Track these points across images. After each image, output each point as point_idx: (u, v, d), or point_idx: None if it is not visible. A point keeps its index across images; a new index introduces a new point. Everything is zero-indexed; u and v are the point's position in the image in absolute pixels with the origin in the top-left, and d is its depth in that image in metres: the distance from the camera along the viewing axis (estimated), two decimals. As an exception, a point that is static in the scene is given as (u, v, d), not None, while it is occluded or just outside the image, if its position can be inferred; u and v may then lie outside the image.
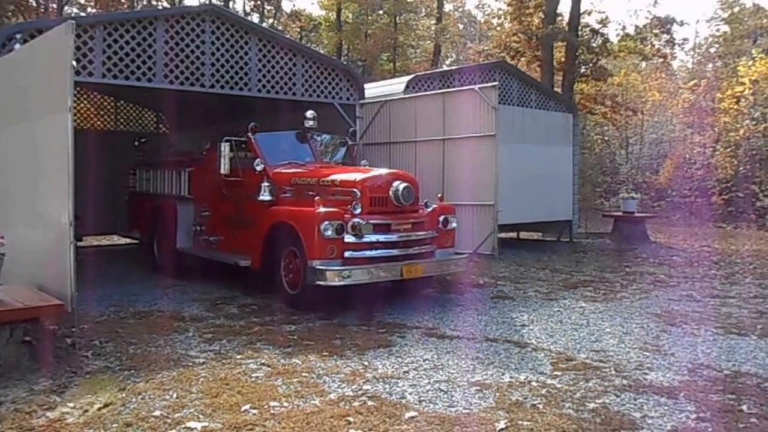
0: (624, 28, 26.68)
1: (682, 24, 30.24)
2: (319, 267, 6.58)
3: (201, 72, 9.29)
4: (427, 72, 16.86)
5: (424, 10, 35.61)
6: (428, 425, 3.88)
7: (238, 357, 5.28)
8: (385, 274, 6.95)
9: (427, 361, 5.20)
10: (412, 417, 4.00)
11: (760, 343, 5.84)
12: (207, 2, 20.40)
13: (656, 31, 23.28)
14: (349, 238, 6.79)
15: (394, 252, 7.13)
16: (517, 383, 4.67)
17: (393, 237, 7.13)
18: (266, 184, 7.71)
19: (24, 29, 8.01)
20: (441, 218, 7.65)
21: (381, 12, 32.95)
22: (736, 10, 33.04)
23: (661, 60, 25.44)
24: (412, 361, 5.19)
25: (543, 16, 21.90)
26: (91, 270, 8.75)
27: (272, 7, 34.74)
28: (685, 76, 34.35)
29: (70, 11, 28.13)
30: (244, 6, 34.41)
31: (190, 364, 5.08)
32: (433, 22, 34.79)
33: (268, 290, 7.63)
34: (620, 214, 15.16)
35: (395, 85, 13.83)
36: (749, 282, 9.28)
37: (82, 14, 27.25)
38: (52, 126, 5.53)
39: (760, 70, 21.24)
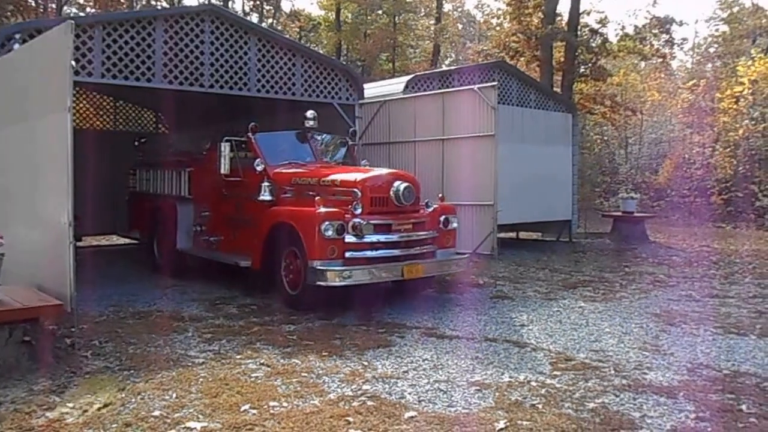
0: (623, 28, 26.70)
1: (681, 24, 30.33)
2: (319, 267, 6.56)
3: (200, 72, 9.28)
4: (427, 72, 16.87)
5: (423, 10, 35.63)
6: (428, 425, 3.88)
7: (238, 357, 5.28)
8: (386, 275, 6.94)
9: (426, 361, 5.20)
10: (412, 417, 4.00)
11: (759, 343, 5.84)
12: (206, 2, 20.40)
13: (655, 31, 23.30)
14: (349, 239, 6.77)
15: (395, 252, 7.11)
16: (517, 383, 4.67)
17: (394, 237, 7.12)
18: (266, 184, 7.70)
19: (23, 29, 8.00)
20: (442, 218, 7.64)
21: (380, 12, 32.96)
22: (735, 10, 33.08)
23: (661, 60, 25.45)
24: (412, 361, 5.19)
25: (542, 16, 21.91)
26: (91, 270, 8.75)
27: (271, 7, 34.73)
28: (685, 76, 34.37)
29: (69, 11, 28.13)
30: (243, 6, 34.46)
31: (190, 364, 5.08)
32: (432, 22, 34.81)
33: (268, 290, 7.63)
34: (619, 214, 15.17)
35: (394, 85, 13.84)
36: (748, 282, 9.29)
37: (81, 14, 27.24)
38: (51, 126, 5.53)
39: (759, 70, 21.26)
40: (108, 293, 7.90)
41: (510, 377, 4.81)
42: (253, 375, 4.81)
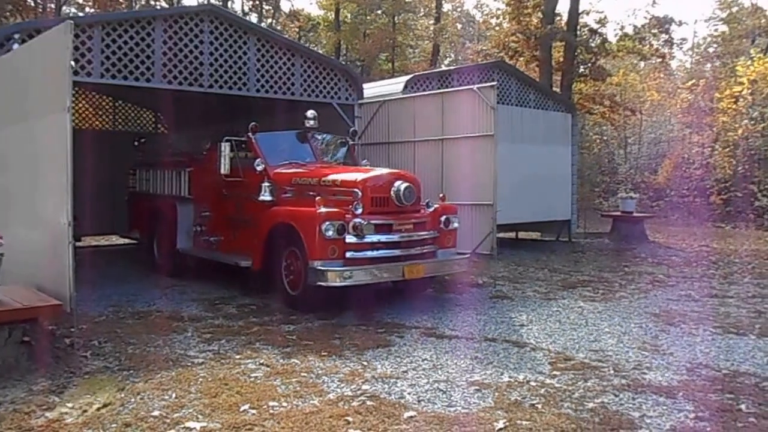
0: (622, 27, 26.73)
1: (680, 24, 30.39)
2: (320, 268, 6.54)
3: (199, 72, 9.28)
4: (426, 72, 16.87)
5: (422, 9, 35.62)
6: (427, 425, 3.88)
7: (237, 357, 5.28)
8: (387, 275, 6.92)
9: (425, 361, 5.20)
10: (411, 417, 4.00)
11: (758, 343, 5.85)
12: (205, 2, 20.39)
13: (655, 30, 23.30)
14: (350, 239, 6.75)
15: (396, 252, 7.09)
16: (516, 383, 4.67)
17: (395, 237, 7.09)
18: (267, 184, 7.68)
19: (22, 29, 7.99)
20: (443, 218, 7.60)
21: (379, 12, 32.95)
22: (734, 10, 33.08)
23: (660, 60, 25.46)
24: (411, 361, 5.20)
25: (541, 16, 21.91)
26: (90, 270, 8.74)
27: (271, 7, 34.72)
28: (684, 75, 34.38)
29: (68, 11, 28.12)
30: (242, 6, 34.46)
31: (189, 364, 5.08)
32: (432, 21, 34.81)
33: (267, 291, 7.62)
34: (619, 213, 15.16)
35: (394, 85, 13.83)
36: (748, 282, 9.29)
37: (81, 14, 27.23)
38: (50, 126, 5.53)
39: (758, 70, 21.27)
40: (107, 293, 7.90)
41: (509, 377, 4.81)
42: (252, 375, 4.81)
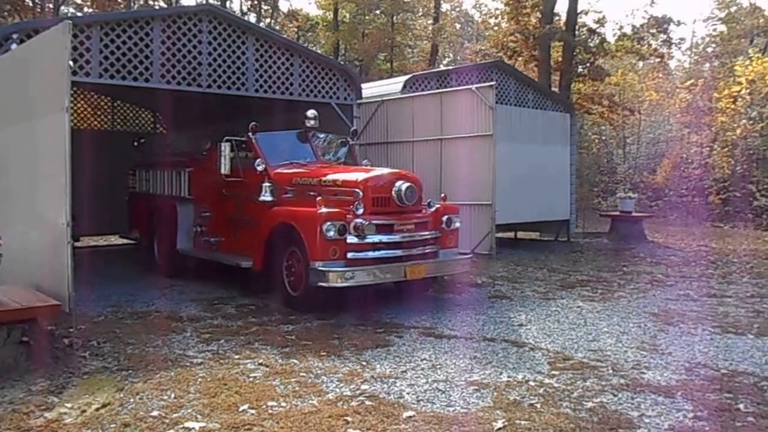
0: (621, 27, 26.71)
1: (679, 24, 30.25)
2: (321, 268, 6.50)
3: (198, 72, 9.28)
4: (425, 72, 16.87)
5: (421, 9, 35.63)
6: (426, 425, 3.88)
7: (236, 357, 5.27)
8: (389, 276, 6.90)
9: (424, 361, 5.20)
10: (410, 417, 4.00)
11: (756, 342, 5.85)
12: (204, 2, 20.39)
13: (653, 30, 23.32)
14: (351, 239, 6.71)
15: (398, 253, 7.05)
16: (515, 383, 4.67)
17: (396, 237, 7.05)
18: (267, 184, 7.65)
19: (21, 29, 7.99)
20: (444, 218, 7.54)
21: (378, 12, 32.95)
22: (732, 9, 33.09)
23: (658, 60, 25.48)
24: (410, 361, 5.20)
25: (540, 16, 21.92)
26: (89, 270, 8.74)
27: (269, 7, 34.71)
28: (682, 75, 34.38)
29: (66, 11, 28.10)
30: (241, 6, 34.47)
31: (188, 364, 5.08)
32: (431, 21, 34.82)
33: (266, 291, 7.62)
34: (618, 213, 15.17)
35: (392, 85, 13.83)
36: (746, 281, 9.30)
37: (79, 14, 27.21)
38: (49, 126, 5.53)
39: (756, 70, 21.29)
40: (106, 293, 7.90)
41: (508, 377, 4.81)
42: (251, 375, 4.81)
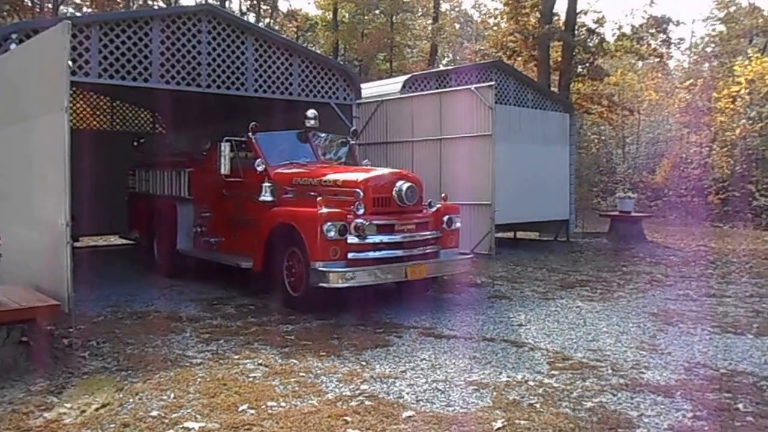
0: (620, 27, 26.66)
1: (678, 24, 30.20)
2: (322, 269, 6.48)
3: (197, 72, 9.27)
4: (424, 72, 16.86)
5: (420, 9, 35.63)
6: (425, 425, 3.88)
7: (236, 357, 5.27)
8: (390, 276, 6.88)
9: (424, 361, 5.20)
10: (410, 416, 4.00)
11: (756, 342, 5.86)
12: (203, 2, 20.39)
13: (652, 30, 23.32)
14: (352, 239, 6.69)
15: (399, 253, 7.03)
16: (515, 382, 4.67)
17: (397, 237, 7.03)
18: (267, 184, 7.64)
19: (20, 29, 7.99)
20: (445, 218, 7.52)
21: (377, 12, 32.95)
22: (732, 9, 33.10)
23: (658, 59, 25.47)
24: (410, 361, 5.20)
25: (539, 16, 21.92)
26: (88, 270, 8.73)
27: (268, 7, 34.71)
28: (682, 75, 34.40)
29: (65, 11, 28.09)
30: (240, 6, 34.46)
31: (188, 364, 5.08)
32: (430, 21, 34.82)
33: (266, 291, 7.62)
34: (617, 213, 15.17)
35: (392, 85, 13.83)
36: (745, 281, 9.31)
37: (78, 14, 27.20)
38: (48, 126, 5.53)
39: (756, 70, 21.29)
40: (105, 293, 7.90)
41: (508, 377, 4.81)
42: (251, 375, 4.81)
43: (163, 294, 8.03)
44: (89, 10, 27.91)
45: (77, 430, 3.78)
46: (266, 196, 7.61)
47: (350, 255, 6.69)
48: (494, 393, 4.44)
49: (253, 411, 4.07)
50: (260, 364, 5.07)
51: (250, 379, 4.70)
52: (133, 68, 8.65)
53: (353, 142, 9.29)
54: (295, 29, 35.61)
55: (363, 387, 4.55)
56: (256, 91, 9.91)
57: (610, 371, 4.95)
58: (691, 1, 49.11)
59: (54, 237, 5.38)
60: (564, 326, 6.44)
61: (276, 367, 4.99)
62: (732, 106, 22.01)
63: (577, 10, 21.93)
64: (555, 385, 4.63)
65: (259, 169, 7.73)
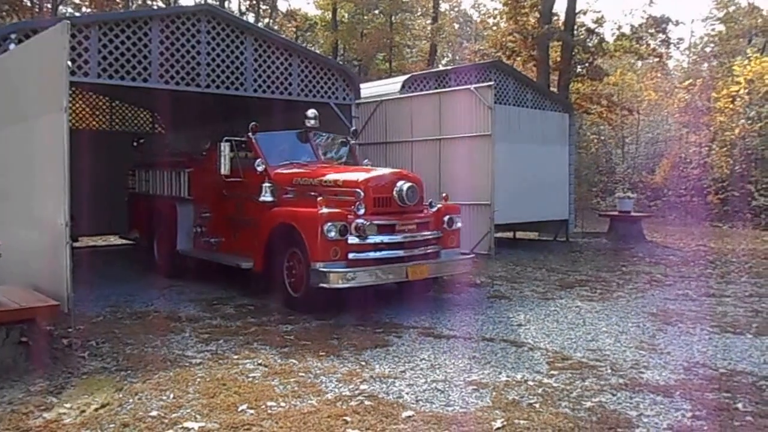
0: (620, 27, 26.74)
1: (677, 23, 30.20)
2: (322, 269, 6.47)
3: (196, 72, 9.27)
4: (423, 72, 16.86)
5: (419, 9, 35.61)
6: (425, 425, 3.88)
7: (235, 357, 5.27)
8: (391, 276, 6.87)
9: (424, 361, 5.20)
10: (409, 416, 4.00)
11: (755, 342, 5.86)
12: (202, 2, 20.39)
13: (652, 30, 23.31)
14: (352, 240, 6.68)
15: (399, 253, 7.01)
16: (514, 382, 4.68)
17: (398, 238, 7.02)
18: (267, 184, 7.63)
19: (19, 29, 7.98)
20: (446, 218, 7.51)
21: (377, 11, 32.94)
22: (731, 9, 33.10)
23: (657, 59, 25.46)
24: (409, 361, 5.20)
25: (539, 16, 21.92)
26: (88, 270, 8.72)
27: (268, 7, 34.70)
28: (681, 75, 34.42)
29: (64, 11, 28.08)
30: (239, 6, 34.43)
31: (187, 364, 5.08)
32: (429, 21, 34.81)
33: (265, 291, 7.61)
34: (616, 213, 15.18)
35: (391, 85, 13.83)
36: (745, 281, 9.31)
37: (77, 14, 27.19)
38: (47, 126, 5.53)
39: (755, 70, 21.31)
40: (105, 294, 7.89)
41: (507, 376, 4.81)
42: (250, 375, 4.81)
43: (163, 294, 8.03)
44: (88, 10, 27.89)
45: (77, 430, 3.78)
46: (266, 197, 7.60)
47: (351, 255, 6.68)
48: (494, 393, 4.44)
49: (252, 411, 4.07)
50: (260, 364, 5.07)
51: (250, 379, 4.70)
52: (132, 68, 8.64)
53: (353, 142, 9.29)
54: (294, 29, 35.60)
55: (362, 387, 4.55)
56: (255, 91, 9.90)
57: (609, 371, 4.96)
58: (690, 1, 49.21)
59: (53, 237, 5.38)
60: (563, 326, 6.44)
61: (275, 367, 4.99)
62: (731, 105, 22.03)
63: (577, 10, 21.93)
64: (554, 384, 4.63)
65: (259, 169, 7.71)
